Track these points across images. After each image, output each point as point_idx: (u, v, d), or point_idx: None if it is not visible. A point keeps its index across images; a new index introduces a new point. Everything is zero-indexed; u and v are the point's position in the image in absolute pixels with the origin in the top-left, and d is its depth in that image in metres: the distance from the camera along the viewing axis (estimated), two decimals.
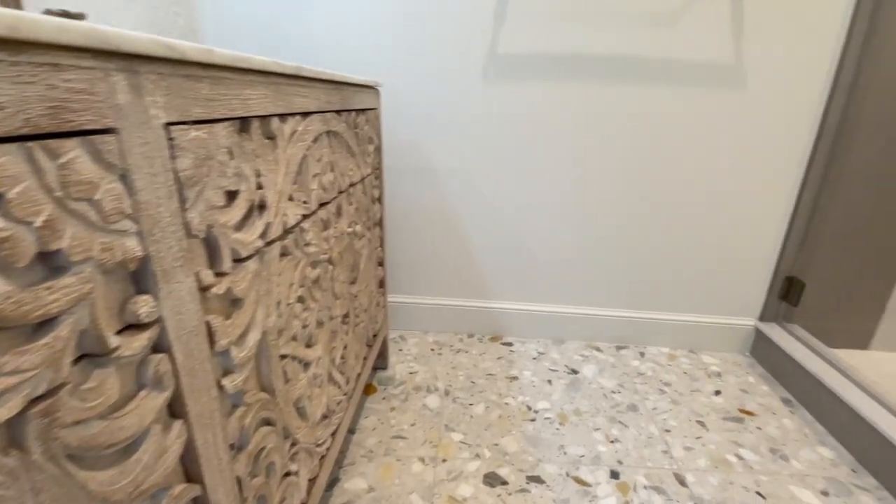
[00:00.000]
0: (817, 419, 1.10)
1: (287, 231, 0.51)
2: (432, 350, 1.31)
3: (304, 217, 0.56)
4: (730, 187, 1.21)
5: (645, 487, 0.89)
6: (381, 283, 1.07)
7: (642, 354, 1.34)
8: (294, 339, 0.55)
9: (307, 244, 0.57)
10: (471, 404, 1.10)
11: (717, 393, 1.19)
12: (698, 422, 1.08)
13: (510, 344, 1.36)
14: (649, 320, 1.36)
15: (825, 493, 0.90)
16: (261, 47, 1.16)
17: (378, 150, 0.96)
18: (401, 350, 1.31)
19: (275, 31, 1.14)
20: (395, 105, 1.17)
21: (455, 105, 1.17)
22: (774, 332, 1.29)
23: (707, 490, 0.90)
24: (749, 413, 1.12)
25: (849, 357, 1.35)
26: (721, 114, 1.15)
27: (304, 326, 0.59)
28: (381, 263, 1.05)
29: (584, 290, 1.35)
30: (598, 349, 1.36)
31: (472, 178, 1.24)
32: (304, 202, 0.56)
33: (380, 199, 1.00)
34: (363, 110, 0.85)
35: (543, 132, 1.18)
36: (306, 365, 0.61)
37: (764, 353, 1.31)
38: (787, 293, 1.29)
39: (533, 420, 1.05)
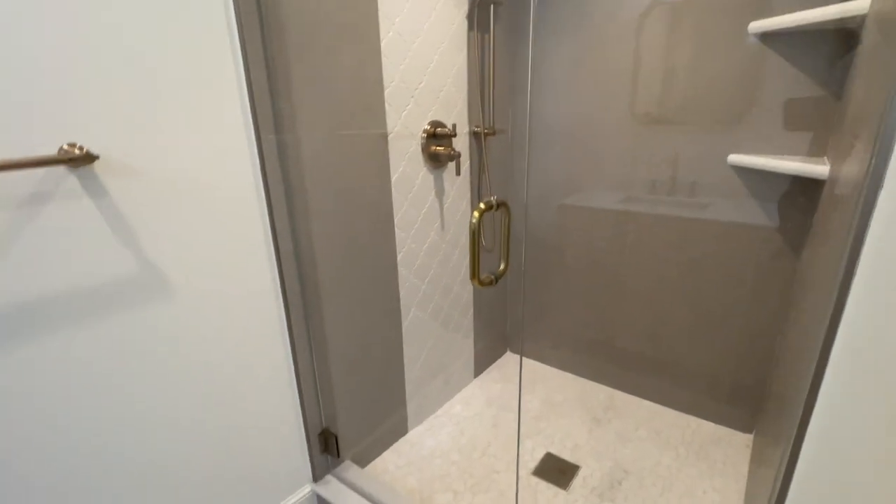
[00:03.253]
0: None
1: None
2: None
3: None
4: (220, 388, 1.01)
5: None
6: None
7: None
8: None
9: None
10: None
11: None
12: None
13: None
14: None
15: None
16: None
17: None
18: None
19: None
20: None
21: None
22: (330, 489, 1.23)
23: None
24: None
25: (399, 446, 1.48)
26: (170, 329, 0.90)
27: None
28: None
29: None
30: None
31: None
32: None
33: None
34: None
35: None
36: None
37: None
38: (327, 446, 1.24)
39: None
